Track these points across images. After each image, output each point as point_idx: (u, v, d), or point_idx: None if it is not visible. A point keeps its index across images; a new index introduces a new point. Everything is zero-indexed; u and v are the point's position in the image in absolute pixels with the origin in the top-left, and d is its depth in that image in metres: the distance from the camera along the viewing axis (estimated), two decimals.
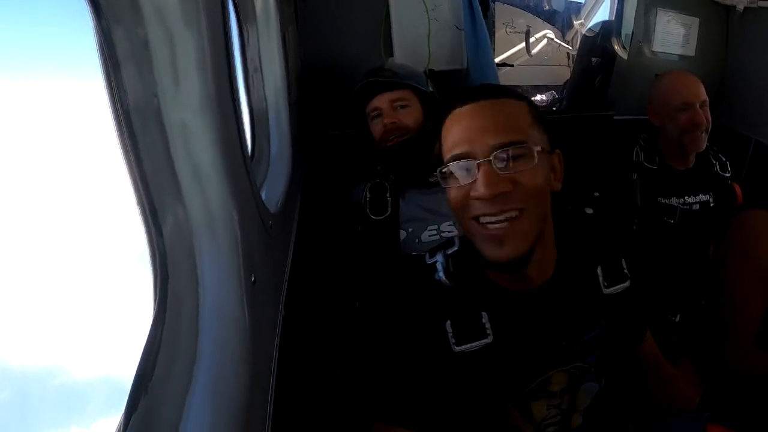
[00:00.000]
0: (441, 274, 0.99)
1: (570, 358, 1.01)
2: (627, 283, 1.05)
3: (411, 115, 1.67)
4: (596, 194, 1.93)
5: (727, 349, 1.43)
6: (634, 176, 1.96)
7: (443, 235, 1.66)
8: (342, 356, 1.74)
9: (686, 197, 1.97)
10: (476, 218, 0.90)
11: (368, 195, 1.71)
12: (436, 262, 1.02)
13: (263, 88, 1.48)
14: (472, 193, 0.89)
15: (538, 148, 0.89)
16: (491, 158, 0.87)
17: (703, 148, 1.95)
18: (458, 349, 0.96)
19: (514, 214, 0.88)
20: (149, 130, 0.67)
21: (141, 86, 0.66)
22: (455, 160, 0.91)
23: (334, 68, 2.19)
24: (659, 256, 1.90)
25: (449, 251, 1.03)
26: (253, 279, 0.80)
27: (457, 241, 1.04)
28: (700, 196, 1.99)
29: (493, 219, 0.89)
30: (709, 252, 2.03)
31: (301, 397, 1.17)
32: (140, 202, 0.69)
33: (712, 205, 2.00)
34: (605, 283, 1.03)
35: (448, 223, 1.68)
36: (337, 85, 2.20)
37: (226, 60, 0.77)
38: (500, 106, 0.92)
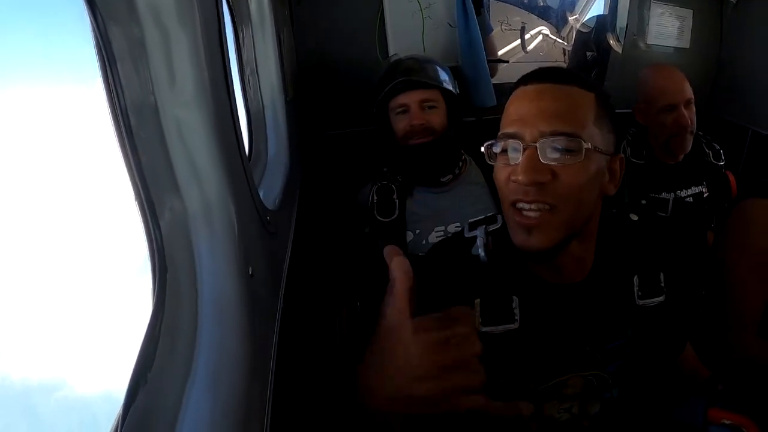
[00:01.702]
0: (480, 250, 0.98)
1: (590, 364, 0.98)
2: (662, 298, 1.01)
3: (437, 117, 1.67)
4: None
5: (729, 338, 1.43)
6: None
7: None
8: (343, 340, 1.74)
9: (677, 191, 1.96)
10: (513, 204, 0.89)
11: (375, 197, 1.71)
12: (475, 236, 1.00)
13: (259, 88, 1.49)
14: (512, 176, 0.87)
15: (590, 146, 0.85)
16: (537, 145, 0.85)
17: (689, 149, 1.94)
18: (483, 329, 0.94)
19: (546, 207, 0.86)
20: (146, 127, 0.69)
21: (138, 83, 0.68)
22: (505, 139, 0.89)
23: (331, 69, 2.21)
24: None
25: (491, 227, 1.01)
26: (250, 272, 0.81)
27: (500, 218, 1.02)
28: (693, 188, 1.98)
29: (527, 206, 0.87)
30: (707, 241, 2.03)
31: (300, 388, 1.18)
32: (138, 197, 0.71)
33: (705, 195, 1.99)
34: (639, 294, 1.00)
35: (455, 224, 1.68)
36: (334, 86, 2.22)
37: (221, 58, 0.78)
38: (563, 93, 0.88)
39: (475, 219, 1.07)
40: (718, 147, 2.06)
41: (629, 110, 1.99)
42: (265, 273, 0.92)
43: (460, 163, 1.77)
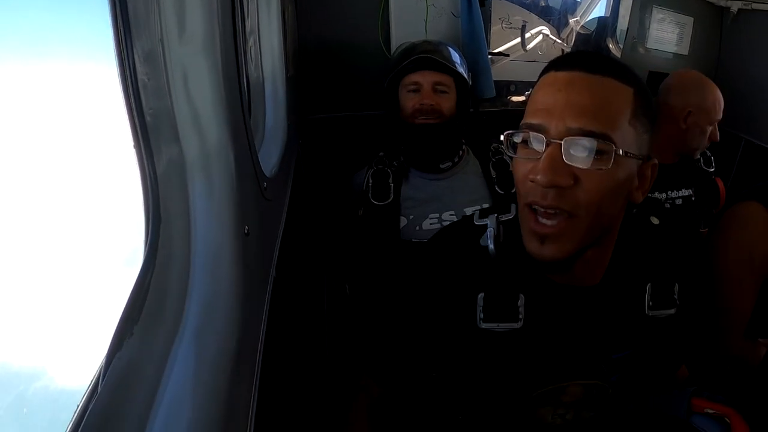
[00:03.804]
0: (489, 242, 0.90)
1: (593, 373, 0.95)
2: (672, 311, 0.96)
3: (447, 102, 1.68)
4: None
5: (718, 339, 1.44)
6: None
7: (444, 224, 1.67)
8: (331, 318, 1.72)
9: (669, 192, 1.99)
10: (529, 205, 0.81)
11: (370, 180, 1.71)
12: (485, 224, 0.92)
13: (261, 60, 1.48)
14: (530, 174, 0.79)
15: (621, 151, 0.76)
16: (562, 142, 0.76)
17: None
18: (484, 326, 0.90)
19: (564, 214, 0.79)
20: (151, 72, 0.68)
21: (147, 29, 0.66)
22: (527, 130, 0.80)
23: (332, 52, 2.19)
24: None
25: (503, 217, 0.93)
26: (246, 230, 0.79)
27: (513, 207, 0.94)
28: (683, 190, 2.02)
29: (542, 210, 0.80)
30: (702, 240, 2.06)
31: (289, 355, 1.17)
32: (137, 144, 0.69)
33: (693, 199, 2.03)
34: (650, 304, 0.94)
35: (450, 212, 1.68)
36: (334, 69, 2.21)
37: (230, 13, 0.77)
38: (599, 85, 0.78)
39: (487, 206, 1.03)
40: (709, 154, 2.10)
41: None
42: (261, 236, 0.91)
43: (460, 152, 1.77)
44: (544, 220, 0.80)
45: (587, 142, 0.75)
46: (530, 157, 0.80)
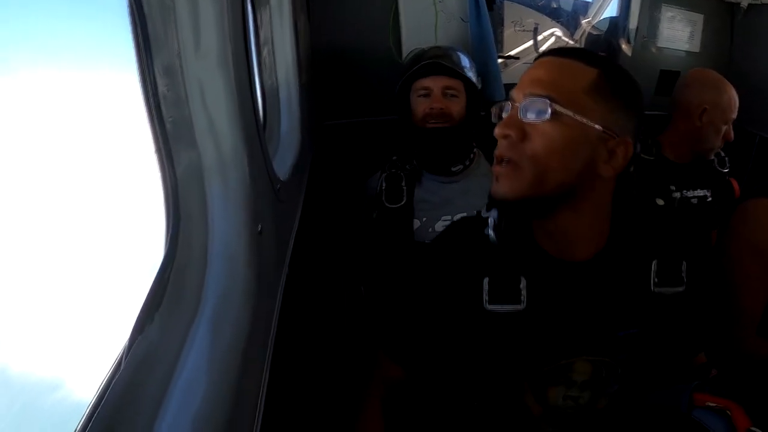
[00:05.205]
0: (491, 230, 1.00)
1: (599, 349, 0.99)
2: (681, 288, 0.99)
3: (457, 106, 1.72)
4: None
5: (729, 336, 1.45)
6: (631, 168, 1.99)
7: None
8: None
9: (684, 191, 2.00)
10: (495, 157, 0.93)
11: (384, 184, 1.75)
12: (489, 217, 1.02)
13: (275, 68, 1.54)
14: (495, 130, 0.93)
15: (564, 110, 0.86)
16: (518, 105, 0.90)
17: None
18: (490, 307, 0.97)
19: (512, 162, 0.90)
20: (171, 85, 0.75)
21: (166, 46, 0.73)
22: (506, 100, 0.95)
23: (344, 59, 2.25)
24: None
25: None
26: (259, 228, 0.86)
27: None
28: (698, 190, 2.02)
29: (499, 158, 0.92)
30: (711, 241, 2.05)
31: (301, 346, 1.22)
32: (158, 150, 0.76)
33: (709, 200, 2.03)
34: (656, 280, 0.98)
35: (462, 214, 1.72)
36: (347, 76, 2.27)
37: (242, 30, 0.84)
38: (561, 64, 0.91)
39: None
40: (723, 154, 2.09)
41: None
42: (274, 235, 0.97)
43: (471, 155, 1.81)
44: (498, 164, 0.92)
45: (532, 100, 0.88)
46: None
